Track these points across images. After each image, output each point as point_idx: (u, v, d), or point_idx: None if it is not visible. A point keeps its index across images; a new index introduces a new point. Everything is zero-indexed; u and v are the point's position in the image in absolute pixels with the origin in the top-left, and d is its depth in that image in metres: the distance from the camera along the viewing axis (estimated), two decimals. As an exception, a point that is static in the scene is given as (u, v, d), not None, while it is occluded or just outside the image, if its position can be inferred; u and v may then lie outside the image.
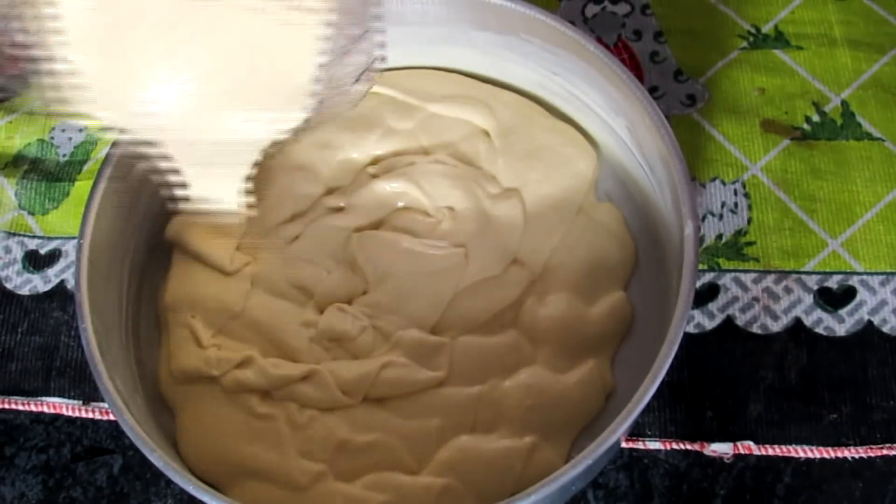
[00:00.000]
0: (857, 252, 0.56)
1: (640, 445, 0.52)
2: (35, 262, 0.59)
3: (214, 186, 0.50)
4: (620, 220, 0.55)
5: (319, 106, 0.46)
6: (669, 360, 0.43)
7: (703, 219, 0.57)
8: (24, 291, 0.58)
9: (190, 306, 0.52)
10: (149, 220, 0.54)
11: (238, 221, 0.52)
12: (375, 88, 0.57)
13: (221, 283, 0.53)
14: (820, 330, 0.54)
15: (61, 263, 0.59)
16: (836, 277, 0.55)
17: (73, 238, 0.59)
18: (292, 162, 0.56)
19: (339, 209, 0.56)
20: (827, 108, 0.60)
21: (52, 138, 0.63)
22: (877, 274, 0.55)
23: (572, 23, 0.56)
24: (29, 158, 0.63)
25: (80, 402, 0.55)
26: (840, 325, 0.54)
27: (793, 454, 0.51)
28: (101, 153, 0.62)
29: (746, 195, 0.58)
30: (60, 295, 0.58)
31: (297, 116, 0.46)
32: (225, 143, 0.47)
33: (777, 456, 0.51)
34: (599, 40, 0.63)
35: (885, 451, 0.51)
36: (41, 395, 0.55)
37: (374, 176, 0.56)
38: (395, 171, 0.56)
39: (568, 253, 0.53)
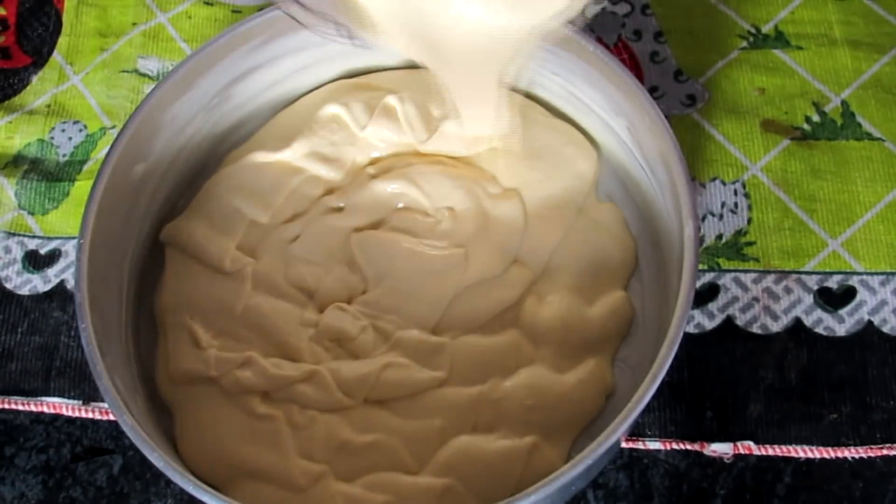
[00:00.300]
0: (857, 252, 0.56)
1: (640, 445, 0.52)
2: (35, 262, 0.59)
3: (479, 94, 0.49)
4: (621, 221, 0.55)
5: None
6: (669, 360, 0.43)
7: (703, 219, 0.57)
8: (24, 291, 0.58)
9: (188, 308, 0.52)
10: (148, 220, 0.54)
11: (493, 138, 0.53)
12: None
13: (220, 284, 0.53)
14: (820, 330, 0.54)
15: (61, 263, 0.59)
16: (836, 277, 0.55)
17: (73, 238, 0.59)
18: (292, 162, 0.56)
19: (339, 209, 0.56)
20: (827, 108, 0.60)
21: (52, 138, 0.63)
22: (877, 274, 0.55)
23: (572, 23, 0.56)
24: (29, 158, 0.63)
25: (80, 402, 0.55)
26: (840, 325, 0.54)
27: (793, 454, 0.51)
28: (101, 153, 0.62)
29: (746, 195, 0.58)
30: (60, 295, 0.58)
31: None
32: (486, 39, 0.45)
33: (777, 456, 0.51)
34: (599, 40, 0.63)
35: (885, 451, 0.51)
36: (41, 395, 0.55)
37: (374, 176, 0.56)
38: (394, 172, 0.56)
39: (568, 253, 0.53)
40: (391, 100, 0.56)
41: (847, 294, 0.55)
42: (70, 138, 0.63)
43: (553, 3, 0.44)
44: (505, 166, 0.55)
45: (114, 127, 0.63)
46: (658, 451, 0.52)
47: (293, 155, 0.56)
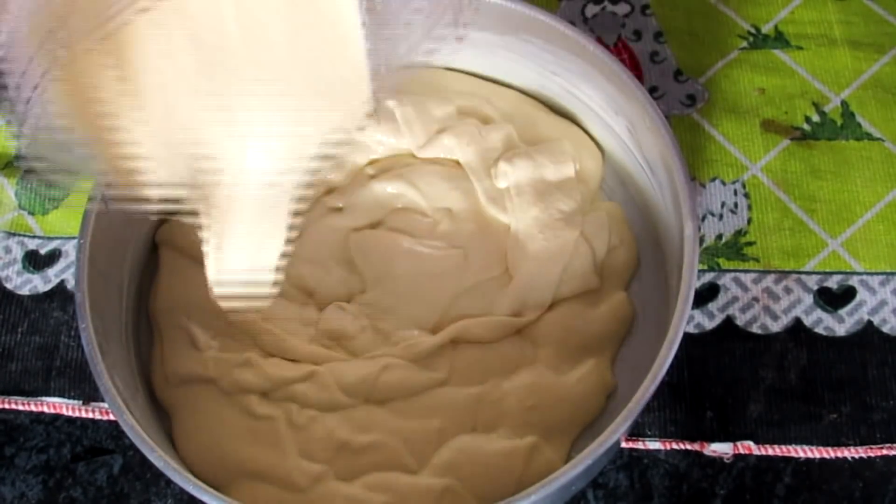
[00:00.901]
0: (856, 252, 0.56)
1: (640, 445, 0.52)
2: (35, 262, 0.59)
3: (257, 245, 0.47)
4: (623, 220, 0.55)
5: (379, 80, 0.41)
6: (669, 360, 0.43)
7: (703, 219, 0.57)
8: (24, 291, 0.58)
9: (184, 309, 0.52)
10: (148, 220, 0.54)
11: (269, 295, 0.49)
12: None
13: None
14: (820, 330, 0.54)
15: (61, 263, 0.59)
16: (836, 277, 0.55)
17: (73, 238, 0.59)
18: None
19: (338, 209, 0.56)
20: (827, 108, 0.60)
21: (52, 138, 0.63)
22: (877, 274, 0.55)
23: (572, 23, 0.56)
24: (29, 158, 0.62)
25: (80, 402, 0.55)
26: (840, 325, 0.54)
27: (793, 454, 0.51)
28: (101, 153, 0.62)
29: (746, 195, 0.58)
30: (60, 295, 0.58)
31: (361, 107, 0.42)
32: (276, 184, 0.44)
33: (777, 456, 0.51)
34: (599, 40, 0.63)
35: (885, 451, 0.51)
36: (41, 395, 0.55)
37: (373, 176, 0.56)
38: (392, 172, 0.56)
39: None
40: (389, 102, 0.56)
41: (847, 294, 0.55)
42: (70, 138, 0.63)
43: (327, 119, 0.42)
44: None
45: (114, 127, 0.63)
46: (658, 451, 0.52)
47: None
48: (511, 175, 0.54)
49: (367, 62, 0.41)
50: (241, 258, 0.47)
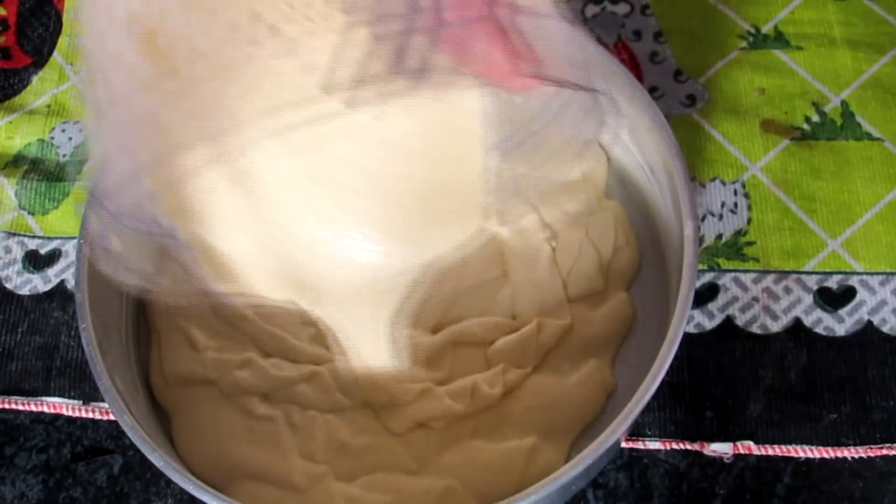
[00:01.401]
0: (856, 252, 0.56)
1: (640, 445, 0.52)
2: (35, 262, 0.59)
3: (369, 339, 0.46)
4: (627, 221, 0.55)
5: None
6: (669, 360, 0.43)
7: (703, 219, 0.57)
8: (24, 291, 0.58)
9: (183, 310, 0.52)
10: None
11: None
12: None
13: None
14: (820, 330, 0.54)
15: (61, 263, 0.59)
16: (836, 277, 0.55)
17: (73, 238, 0.59)
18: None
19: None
20: (827, 108, 0.60)
21: (52, 138, 0.63)
22: (876, 274, 0.55)
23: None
24: (29, 158, 0.63)
25: (80, 402, 0.55)
26: (840, 325, 0.54)
27: (793, 454, 0.51)
28: (101, 153, 0.62)
29: (746, 195, 0.58)
30: (60, 295, 0.58)
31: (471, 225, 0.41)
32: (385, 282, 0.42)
33: (777, 456, 0.51)
34: (599, 40, 0.63)
35: (885, 451, 0.51)
36: (41, 395, 0.55)
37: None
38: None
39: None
40: None
41: (847, 294, 0.55)
42: (70, 138, 0.63)
43: (452, 234, 0.42)
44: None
45: (114, 127, 0.63)
46: (658, 450, 0.52)
47: None
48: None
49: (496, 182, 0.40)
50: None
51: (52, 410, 0.55)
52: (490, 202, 0.41)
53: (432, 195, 0.40)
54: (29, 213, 0.61)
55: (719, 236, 0.57)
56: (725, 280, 0.56)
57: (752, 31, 0.63)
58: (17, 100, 0.65)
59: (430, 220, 0.41)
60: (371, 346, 0.47)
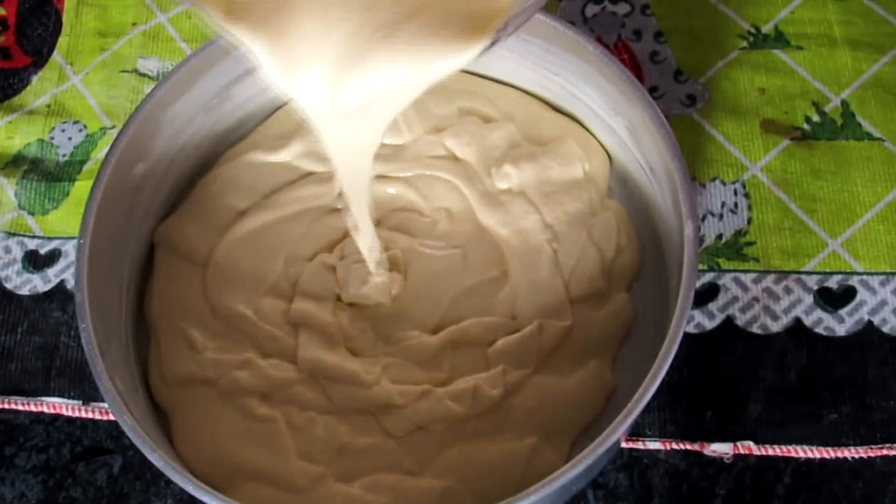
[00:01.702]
0: (857, 252, 0.56)
1: (640, 445, 0.52)
2: (35, 262, 0.59)
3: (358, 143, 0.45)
4: (627, 221, 0.54)
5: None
6: (669, 360, 0.43)
7: (703, 219, 0.57)
8: (24, 291, 0.58)
9: (181, 311, 0.52)
10: (148, 220, 0.54)
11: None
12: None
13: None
14: (820, 330, 0.54)
15: (61, 263, 0.59)
16: (836, 277, 0.55)
17: (73, 238, 0.59)
18: (289, 162, 0.56)
19: (337, 210, 0.56)
20: (827, 108, 0.60)
21: (52, 138, 0.63)
22: (877, 274, 0.55)
23: (572, 23, 0.56)
24: (29, 158, 0.63)
25: (80, 402, 0.55)
26: (840, 325, 0.54)
27: (793, 454, 0.51)
28: (101, 153, 0.62)
29: (746, 195, 0.58)
30: (60, 295, 0.58)
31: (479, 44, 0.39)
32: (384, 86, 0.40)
33: (777, 456, 0.51)
34: (599, 40, 0.63)
35: (885, 451, 0.51)
36: (41, 395, 0.55)
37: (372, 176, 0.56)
38: (391, 172, 0.56)
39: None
40: None
41: (847, 294, 0.55)
42: (70, 138, 0.63)
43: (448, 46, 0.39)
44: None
45: (114, 127, 0.63)
46: (658, 451, 0.52)
47: (290, 154, 0.56)
48: (515, 178, 0.54)
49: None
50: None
51: (52, 410, 0.55)
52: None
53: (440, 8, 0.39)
54: (29, 213, 0.61)
55: (719, 236, 0.57)
56: (725, 280, 0.56)
57: (753, 30, 0.63)
58: (16, 100, 0.65)
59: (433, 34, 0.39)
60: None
